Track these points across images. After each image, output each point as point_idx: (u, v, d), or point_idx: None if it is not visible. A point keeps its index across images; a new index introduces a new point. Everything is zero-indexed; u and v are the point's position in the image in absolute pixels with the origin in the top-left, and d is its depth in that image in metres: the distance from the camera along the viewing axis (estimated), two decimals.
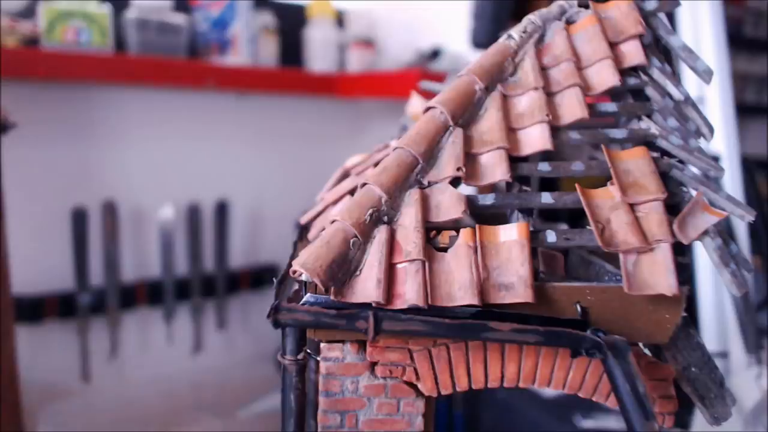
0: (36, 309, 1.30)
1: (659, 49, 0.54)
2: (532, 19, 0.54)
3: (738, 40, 1.81)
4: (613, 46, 0.53)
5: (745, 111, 1.60)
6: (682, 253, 0.42)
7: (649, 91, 0.52)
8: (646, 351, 0.45)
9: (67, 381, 1.35)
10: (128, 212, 1.43)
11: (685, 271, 0.42)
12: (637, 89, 0.52)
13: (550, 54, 0.53)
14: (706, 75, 0.53)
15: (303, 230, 0.60)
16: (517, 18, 0.56)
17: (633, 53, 0.52)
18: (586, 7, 0.55)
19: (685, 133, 0.49)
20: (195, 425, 1.35)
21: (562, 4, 0.55)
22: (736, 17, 1.93)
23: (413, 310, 0.40)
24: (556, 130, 0.48)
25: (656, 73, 0.52)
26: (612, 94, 0.53)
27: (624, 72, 0.52)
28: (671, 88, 0.52)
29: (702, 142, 0.50)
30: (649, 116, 0.51)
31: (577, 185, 0.45)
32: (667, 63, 0.54)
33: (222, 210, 1.54)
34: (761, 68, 1.99)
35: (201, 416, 1.38)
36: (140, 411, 1.36)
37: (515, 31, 0.53)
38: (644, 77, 0.52)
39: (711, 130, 0.51)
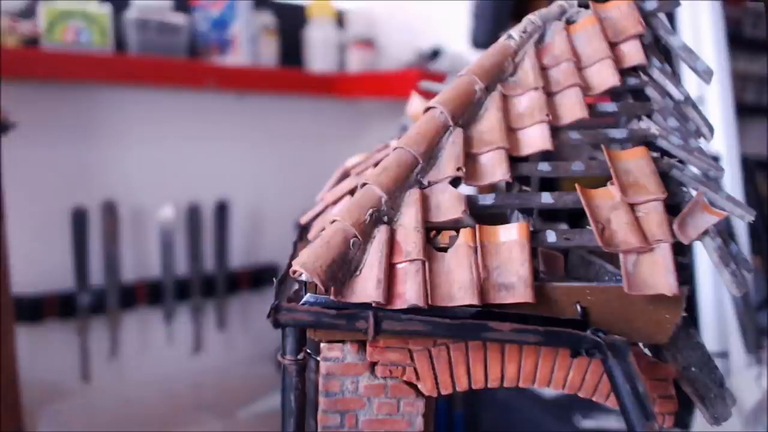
0: (36, 309, 1.30)
1: (659, 49, 0.54)
2: (532, 19, 0.54)
3: (737, 40, 1.81)
4: (613, 46, 0.53)
5: (745, 111, 1.60)
6: (682, 253, 0.42)
7: (649, 91, 0.52)
8: (646, 351, 0.45)
9: (67, 381, 1.35)
10: (128, 212, 1.43)
11: (685, 271, 0.42)
12: (637, 89, 0.52)
13: (550, 54, 0.53)
14: (706, 75, 0.53)
15: (303, 230, 0.60)
16: (517, 18, 0.56)
17: (633, 53, 0.52)
18: (586, 7, 0.55)
19: (685, 133, 0.49)
20: (195, 425, 1.35)
21: (562, 4, 0.55)
22: (735, 18, 1.93)
23: (413, 310, 0.40)
24: (556, 130, 0.48)
25: (656, 73, 0.52)
26: (612, 94, 0.53)
27: (624, 72, 0.52)
28: (671, 88, 0.52)
29: (702, 142, 0.50)
30: (649, 116, 0.51)
31: (577, 185, 0.45)
32: (667, 63, 0.54)
33: (222, 210, 1.54)
34: (761, 68, 1.99)
35: (201, 416, 1.38)
36: (140, 411, 1.36)
37: (515, 31, 0.53)
38: (644, 77, 0.52)
39: (711, 130, 0.51)
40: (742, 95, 1.99)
